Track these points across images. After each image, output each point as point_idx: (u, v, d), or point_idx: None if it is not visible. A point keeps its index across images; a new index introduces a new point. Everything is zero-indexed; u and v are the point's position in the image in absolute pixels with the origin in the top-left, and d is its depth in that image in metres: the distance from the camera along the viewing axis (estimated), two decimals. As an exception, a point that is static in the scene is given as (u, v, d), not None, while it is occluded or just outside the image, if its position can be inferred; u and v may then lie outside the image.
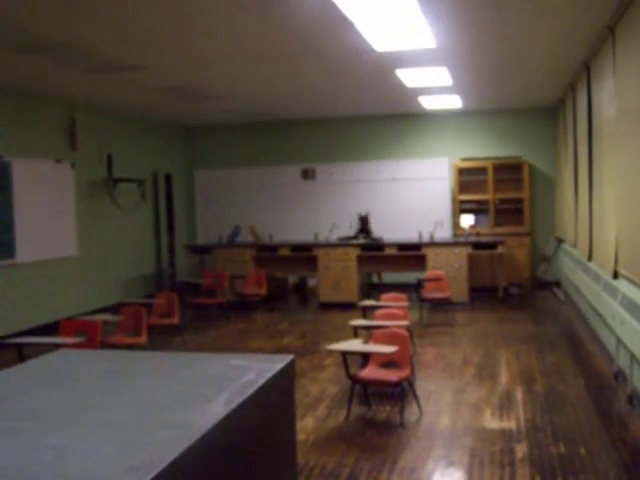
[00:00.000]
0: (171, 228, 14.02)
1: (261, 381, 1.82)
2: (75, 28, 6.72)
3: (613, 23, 6.82)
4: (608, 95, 7.37)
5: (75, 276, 11.10)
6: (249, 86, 10.23)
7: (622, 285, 6.50)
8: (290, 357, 2.11)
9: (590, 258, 8.66)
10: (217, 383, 1.84)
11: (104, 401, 1.79)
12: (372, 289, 12.66)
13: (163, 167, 13.96)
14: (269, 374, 1.89)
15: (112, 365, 2.21)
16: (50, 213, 10.53)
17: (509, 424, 5.68)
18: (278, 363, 2.01)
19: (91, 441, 1.46)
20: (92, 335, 6.87)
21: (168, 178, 13.99)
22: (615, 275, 6.93)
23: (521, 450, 5.09)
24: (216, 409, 1.58)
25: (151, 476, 1.22)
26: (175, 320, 9.10)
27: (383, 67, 8.91)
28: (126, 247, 12.63)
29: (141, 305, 8.29)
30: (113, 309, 10.30)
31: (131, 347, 7.40)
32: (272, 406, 1.94)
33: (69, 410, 1.74)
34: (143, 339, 7.67)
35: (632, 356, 5.80)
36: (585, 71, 8.93)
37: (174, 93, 10.43)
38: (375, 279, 13.51)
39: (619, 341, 6.42)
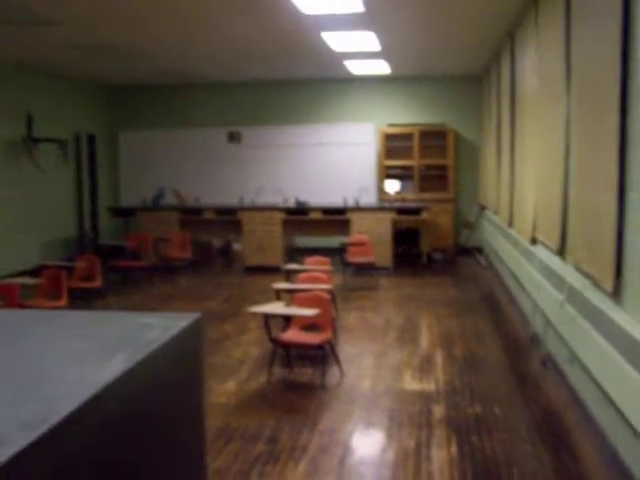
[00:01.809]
0: (94, 190, 13.74)
1: (164, 339, 1.80)
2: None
3: (537, -8, 6.91)
4: (530, 65, 7.48)
5: (-8, 238, 10.80)
6: (175, 46, 10.03)
7: (539, 251, 6.66)
8: (197, 315, 2.09)
9: (510, 224, 8.84)
10: (119, 340, 1.81)
11: (0, 359, 1.75)
12: (296, 253, 12.68)
13: (86, 127, 13.60)
14: (174, 332, 1.87)
15: (13, 324, 2.16)
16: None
17: (428, 386, 5.80)
18: (184, 321, 1.99)
19: (-17, 399, 1.43)
20: (9, 298, 6.71)
21: (91, 139, 13.67)
22: (533, 241, 7.10)
23: (439, 411, 5.21)
24: (114, 366, 1.56)
25: (43, 430, 1.21)
26: (97, 283, 8.95)
27: (309, 30, 8.84)
28: (47, 209, 12.30)
29: (62, 268, 8.10)
30: (33, 273, 10.07)
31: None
32: (177, 363, 1.93)
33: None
34: (63, 302, 7.51)
35: (547, 320, 5.97)
36: (509, 41, 9.04)
37: (97, 51, 10.14)
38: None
39: (535, 305, 6.60)
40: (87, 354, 1.72)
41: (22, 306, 7.02)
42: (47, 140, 11.98)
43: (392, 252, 11.75)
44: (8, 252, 11.13)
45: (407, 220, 12.18)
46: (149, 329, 1.86)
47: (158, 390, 1.78)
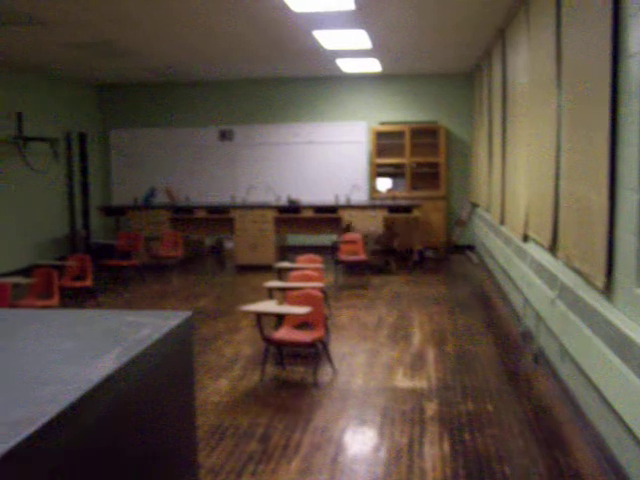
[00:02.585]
0: (85, 189, 13.70)
1: (155, 337, 1.79)
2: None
3: (527, -10, 6.92)
4: (521, 63, 7.50)
5: (-17, 237, 10.76)
6: (166, 45, 10.00)
7: (531, 248, 6.68)
8: (188, 313, 2.08)
9: (502, 222, 8.86)
10: (110, 339, 1.81)
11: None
12: (288, 251, 12.67)
13: (77, 126, 13.56)
14: (165, 330, 1.87)
15: (4, 323, 2.15)
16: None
17: (420, 383, 5.80)
18: (175, 319, 1.99)
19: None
20: (1, 298, 6.68)
21: (82, 138, 13.63)
22: (525, 239, 7.11)
23: (431, 408, 5.22)
24: (106, 364, 1.55)
25: (33, 430, 1.20)
26: (88, 282, 8.92)
27: (301, 28, 8.83)
28: (38, 208, 12.26)
29: (53, 267, 8.08)
30: (24, 272, 10.03)
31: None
32: (167, 362, 1.92)
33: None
34: (55, 302, 7.50)
35: (538, 316, 5.99)
36: (501, 38, 9.05)
37: (87, 49, 10.09)
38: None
39: (526, 302, 6.62)
40: (78, 353, 1.72)
41: (14, 306, 7.00)
42: (38, 139, 11.95)
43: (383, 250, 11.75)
44: (2, 251, 11.09)
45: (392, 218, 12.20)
46: (140, 327, 1.86)
47: (149, 388, 1.78)
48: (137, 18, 8.25)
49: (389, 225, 12.21)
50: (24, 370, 1.61)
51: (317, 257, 8.28)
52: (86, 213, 13.65)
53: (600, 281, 4.14)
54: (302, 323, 6.26)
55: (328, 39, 9.57)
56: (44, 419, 1.25)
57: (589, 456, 4.28)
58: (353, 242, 10.73)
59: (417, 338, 7.30)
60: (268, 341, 5.99)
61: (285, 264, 8.49)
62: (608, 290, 4.07)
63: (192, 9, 7.81)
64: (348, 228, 11.63)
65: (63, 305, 7.90)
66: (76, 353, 1.71)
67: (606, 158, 4.04)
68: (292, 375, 6.11)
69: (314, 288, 6.45)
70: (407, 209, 11.90)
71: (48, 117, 12.57)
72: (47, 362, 1.64)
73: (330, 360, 6.22)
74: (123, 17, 8.17)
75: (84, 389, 1.39)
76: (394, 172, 13.50)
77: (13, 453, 1.15)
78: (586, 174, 4.62)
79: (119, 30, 8.93)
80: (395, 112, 13.62)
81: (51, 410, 1.28)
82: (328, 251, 10.98)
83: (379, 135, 13.49)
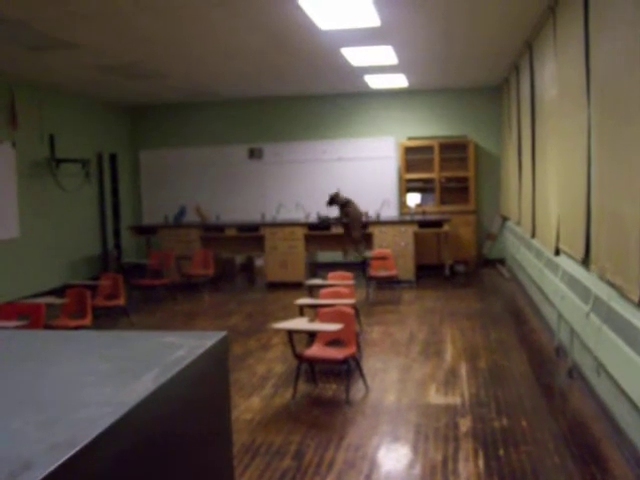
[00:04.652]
0: (116, 209, 13.85)
1: (191, 358, 1.80)
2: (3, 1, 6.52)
3: (553, 3, 6.89)
4: (549, 75, 7.47)
5: (17, 258, 10.88)
6: (193, 65, 10.10)
7: (563, 261, 6.62)
8: (223, 333, 2.10)
9: (533, 235, 8.79)
10: (146, 360, 1.82)
11: (28, 381, 1.75)
12: (318, 268, 12.67)
13: (107, 147, 13.74)
14: (200, 350, 1.88)
15: (40, 345, 2.17)
16: (-10, 194, 10.28)
17: (454, 399, 5.76)
18: (210, 340, 2.00)
19: (12, 421, 1.43)
20: (35, 318, 6.74)
21: (113, 158, 13.80)
22: (557, 252, 7.05)
23: (465, 424, 5.17)
24: (143, 386, 1.56)
25: (73, 452, 1.21)
26: (121, 301, 9.00)
27: (328, 46, 8.88)
28: (70, 228, 12.41)
29: (86, 287, 8.15)
30: (58, 292, 10.13)
31: (75, 330, 7.29)
32: (203, 383, 1.93)
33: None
34: (88, 321, 7.55)
35: (572, 330, 5.92)
36: (528, 51, 9.03)
37: (115, 71, 10.23)
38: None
39: (560, 316, 6.55)
40: (114, 375, 1.74)
41: (48, 326, 7.06)
42: (70, 160, 12.11)
43: (414, 265, 11.70)
44: (34, 272, 11.23)
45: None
46: (175, 348, 1.87)
47: (186, 409, 1.79)
48: (162, 41, 8.35)
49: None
50: (61, 392, 1.62)
51: (348, 274, 8.28)
52: (117, 233, 13.79)
53: (635, 294, 4.09)
54: (334, 340, 6.25)
55: (355, 56, 9.62)
56: (85, 441, 1.26)
57: (628, 473, 4.21)
58: (384, 258, 10.71)
59: (449, 354, 7.26)
60: (300, 358, 5.99)
61: (316, 281, 8.49)
62: (643, 303, 4.02)
63: (221, 30, 7.89)
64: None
65: (96, 324, 7.97)
66: (112, 375, 1.72)
67: (638, 169, 4.00)
68: (324, 392, 6.10)
69: (345, 305, 6.44)
70: (437, 224, 11.86)
71: (80, 138, 12.75)
72: (83, 384, 1.65)
73: (362, 377, 6.20)
74: (148, 40, 8.27)
75: (122, 411, 1.40)
76: (423, 187, 13.47)
77: (51, 477, 1.15)
78: (619, 186, 4.58)
79: (145, 53, 9.04)
80: (423, 127, 13.61)
81: (91, 432, 1.29)
82: (359, 267, 10.95)
83: (408, 150, 13.48)
